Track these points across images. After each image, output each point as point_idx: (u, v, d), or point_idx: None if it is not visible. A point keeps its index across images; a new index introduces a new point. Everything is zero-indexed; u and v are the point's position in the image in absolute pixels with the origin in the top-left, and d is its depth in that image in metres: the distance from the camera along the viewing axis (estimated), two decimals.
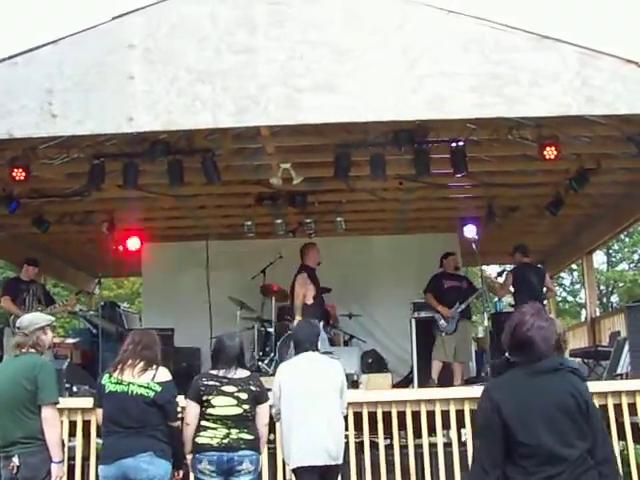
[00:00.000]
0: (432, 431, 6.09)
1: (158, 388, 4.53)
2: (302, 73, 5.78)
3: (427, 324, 8.49)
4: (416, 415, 6.03)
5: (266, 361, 8.57)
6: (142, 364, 4.59)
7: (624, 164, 7.97)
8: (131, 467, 4.38)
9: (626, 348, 6.96)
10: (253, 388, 4.75)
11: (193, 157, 7.24)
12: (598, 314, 11.63)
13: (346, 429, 5.32)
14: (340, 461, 4.88)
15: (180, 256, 10.44)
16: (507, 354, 3.15)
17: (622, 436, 6.00)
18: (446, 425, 6.14)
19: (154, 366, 4.61)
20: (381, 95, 5.78)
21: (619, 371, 6.91)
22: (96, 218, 9.29)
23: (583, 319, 11.28)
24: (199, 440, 4.66)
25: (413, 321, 8.49)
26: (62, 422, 5.24)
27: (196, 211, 9.72)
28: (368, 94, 5.77)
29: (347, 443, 5.54)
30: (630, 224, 10.49)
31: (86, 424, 5.96)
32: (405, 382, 8.83)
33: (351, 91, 5.77)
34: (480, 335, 12.56)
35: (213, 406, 4.67)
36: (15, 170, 6.89)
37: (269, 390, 4.98)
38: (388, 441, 6.22)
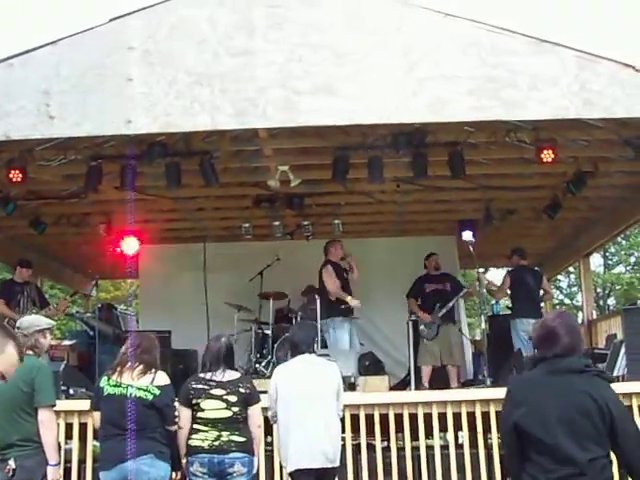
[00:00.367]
0: (429, 433, 6.09)
1: (157, 391, 4.54)
2: (301, 76, 5.78)
3: None
4: (413, 417, 6.04)
5: (263, 363, 8.57)
6: (141, 367, 4.59)
7: (621, 167, 7.98)
8: (132, 470, 4.38)
9: (622, 351, 6.97)
10: (242, 390, 4.75)
11: (191, 159, 7.24)
12: (595, 317, 11.62)
13: (343, 431, 5.32)
14: (337, 464, 4.88)
15: (178, 258, 10.42)
16: (535, 351, 3.22)
17: None
18: (443, 427, 6.14)
19: (153, 370, 4.61)
20: (382, 98, 5.77)
21: (615, 374, 6.90)
22: (93, 220, 9.28)
23: (580, 322, 11.27)
24: (191, 443, 4.68)
25: (410, 323, 8.48)
26: (58, 424, 5.21)
27: (194, 213, 9.71)
28: (368, 97, 5.76)
29: (344, 445, 5.54)
30: (627, 227, 10.50)
31: (83, 427, 5.94)
32: (402, 384, 8.81)
33: (351, 94, 5.76)
34: (477, 337, 12.57)
35: (203, 409, 4.68)
36: (12, 172, 6.88)
37: (262, 392, 4.97)
38: (385, 443, 6.23)
